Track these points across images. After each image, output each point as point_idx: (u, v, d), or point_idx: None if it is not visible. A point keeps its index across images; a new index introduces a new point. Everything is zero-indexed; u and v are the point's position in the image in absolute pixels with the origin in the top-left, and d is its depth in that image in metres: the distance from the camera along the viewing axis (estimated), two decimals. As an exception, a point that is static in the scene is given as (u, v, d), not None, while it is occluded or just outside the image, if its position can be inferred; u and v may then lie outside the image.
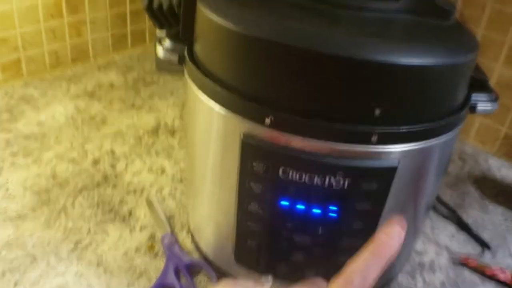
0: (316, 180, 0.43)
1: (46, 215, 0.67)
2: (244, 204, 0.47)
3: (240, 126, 0.44)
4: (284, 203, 0.45)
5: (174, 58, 0.53)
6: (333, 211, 0.45)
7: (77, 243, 0.63)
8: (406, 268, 0.65)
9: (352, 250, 0.51)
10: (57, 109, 0.89)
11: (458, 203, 0.78)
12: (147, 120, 0.89)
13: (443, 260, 0.67)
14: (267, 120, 0.42)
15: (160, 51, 0.54)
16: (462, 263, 0.67)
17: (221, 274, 0.58)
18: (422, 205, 0.52)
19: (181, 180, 0.75)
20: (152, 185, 0.74)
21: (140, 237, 0.65)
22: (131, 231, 0.66)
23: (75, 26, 0.99)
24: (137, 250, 0.63)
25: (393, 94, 0.41)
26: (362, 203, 0.44)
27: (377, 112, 0.41)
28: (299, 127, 0.42)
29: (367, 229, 0.46)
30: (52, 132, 0.83)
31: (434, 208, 0.76)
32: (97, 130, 0.85)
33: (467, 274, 0.65)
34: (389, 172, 0.43)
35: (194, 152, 0.53)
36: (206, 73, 0.46)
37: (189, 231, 0.65)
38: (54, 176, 0.74)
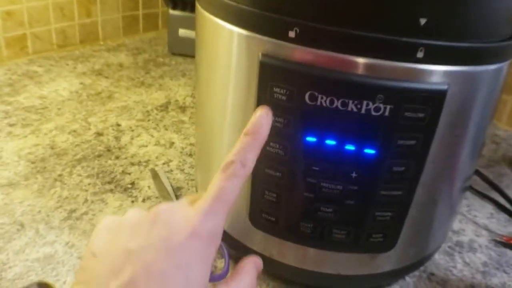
0: (351, 106, 0.34)
1: (40, 184, 0.60)
2: (261, 145, 0.38)
3: (258, 45, 0.36)
4: (310, 139, 0.37)
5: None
6: (370, 147, 0.36)
7: (71, 212, 0.55)
8: (443, 248, 0.55)
9: (390, 204, 0.42)
10: (62, 85, 0.82)
11: (493, 182, 0.68)
12: (157, 96, 0.82)
13: (483, 240, 0.58)
14: (291, 33, 0.34)
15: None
16: (507, 243, 0.57)
17: (234, 246, 0.49)
18: (466, 159, 0.43)
19: (190, 154, 0.67)
20: (158, 157, 0.66)
21: (142, 208, 0.56)
22: (132, 201, 0.57)
23: (85, 5, 0.93)
24: (138, 220, 0.54)
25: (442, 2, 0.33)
26: (406, 137, 0.35)
27: (422, 21, 0.33)
28: (329, 40, 0.34)
29: (410, 173, 0.38)
30: (54, 105, 0.76)
31: (470, 187, 0.66)
32: (102, 104, 0.78)
33: (511, 254, 0.55)
34: (438, 97, 0.35)
35: (205, 91, 0.45)
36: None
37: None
38: (52, 146, 0.66)
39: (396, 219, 0.41)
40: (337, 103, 0.35)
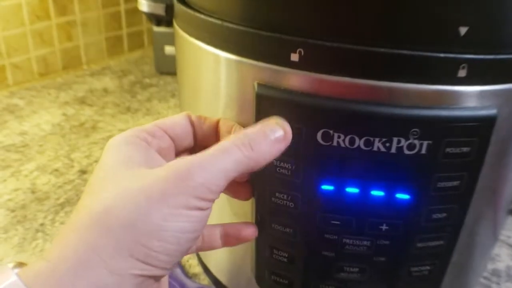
0: (377, 145, 0.26)
1: (20, 236, 0.51)
2: (265, 195, 0.30)
3: (252, 73, 0.28)
4: (327, 187, 0.28)
5: (160, 8, 0.37)
6: (403, 193, 0.27)
7: (53, 270, 0.46)
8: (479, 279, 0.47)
9: (428, 256, 0.33)
10: (44, 117, 0.74)
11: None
12: (144, 122, 0.72)
13: (524, 267, 0.49)
14: (294, 56, 0.26)
15: (143, 4, 0.38)
16: (552, 270, 0.48)
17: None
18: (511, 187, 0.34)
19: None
20: (149, 194, 0.57)
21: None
22: (121, 251, 0.49)
23: (65, 29, 0.85)
24: (128, 274, 0.46)
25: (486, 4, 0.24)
26: (448, 178, 0.27)
27: (463, 30, 0.24)
28: (343, 61, 0.25)
29: (452, 219, 0.29)
30: (35, 142, 0.67)
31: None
32: (86, 137, 0.69)
33: (559, 285, 0.47)
34: (487, 124, 0.26)
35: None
36: (201, 11, 0.30)
37: (197, 255, 0.48)
38: (33, 190, 0.58)
39: (436, 271, 0.32)
40: (359, 143, 0.26)
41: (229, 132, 0.29)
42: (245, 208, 0.32)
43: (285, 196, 0.29)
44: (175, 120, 0.28)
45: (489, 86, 0.26)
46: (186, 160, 0.23)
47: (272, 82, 0.27)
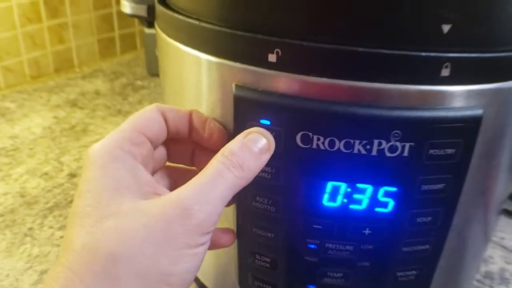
0: (358, 148, 0.25)
1: (8, 241, 0.51)
2: (246, 199, 0.29)
3: (230, 75, 0.27)
4: (308, 191, 0.27)
5: (142, 9, 0.36)
6: (386, 197, 0.26)
7: (42, 274, 0.46)
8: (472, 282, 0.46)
9: (415, 260, 0.33)
10: (35, 121, 0.73)
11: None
12: (135, 125, 0.72)
13: (518, 269, 0.48)
14: (272, 57, 0.25)
15: (126, 5, 0.38)
16: (546, 272, 0.47)
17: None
18: (502, 188, 0.34)
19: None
20: (138, 197, 0.56)
21: (120, 263, 0.47)
22: (109, 255, 0.48)
23: (57, 31, 0.84)
24: (116, 279, 0.45)
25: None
26: (432, 181, 0.26)
27: (446, 28, 0.23)
28: (322, 61, 0.24)
29: (438, 223, 0.28)
30: (25, 146, 0.66)
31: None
32: (76, 140, 0.68)
33: (553, 286, 0.46)
34: (472, 125, 0.25)
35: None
36: (180, 12, 0.29)
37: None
38: (22, 194, 0.57)
39: (423, 276, 0.31)
40: (340, 145, 0.25)
41: (203, 127, 0.28)
42: (227, 213, 0.32)
43: (265, 200, 0.28)
44: (150, 117, 0.27)
45: (474, 86, 0.25)
46: (183, 193, 0.22)
47: (251, 83, 0.26)
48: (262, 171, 0.27)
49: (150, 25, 0.85)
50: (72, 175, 0.60)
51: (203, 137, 0.28)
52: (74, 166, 0.62)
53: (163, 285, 0.21)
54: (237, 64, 0.27)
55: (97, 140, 0.74)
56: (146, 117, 0.27)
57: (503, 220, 0.55)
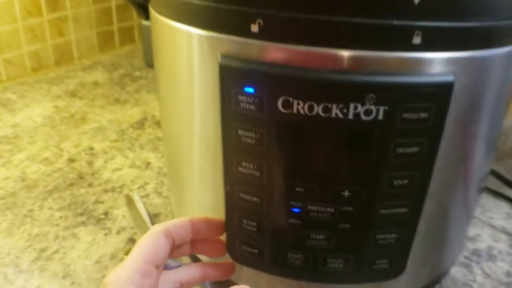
0: (335, 111, 0.26)
1: (9, 221, 0.52)
2: (232, 166, 0.31)
3: (217, 46, 0.29)
4: (289, 155, 0.29)
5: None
6: (363, 160, 0.28)
7: (41, 252, 0.48)
8: (459, 259, 0.47)
9: (393, 223, 0.34)
10: (35, 110, 0.75)
11: (507, 179, 0.60)
12: (132, 113, 0.74)
13: (503, 245, 0.50)
14: (254, 27, 0.26)
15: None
16: (530, 247, 0.49)
17: (218, 282, 0.41)
18: (481, 159, 0.35)
19: (170, 175, 0.60)
20: (134, 181, 0.58)
21: (116, 241, 0.49)
22: (106, 234, 0.50)
23: (57, 25, 0.86)
24: (113, 256, 0.47)
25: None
26: (407, 144, 0.28)
27: (417, -1, 0.25)
28: (300, 31, 0.26)
29: (415, 186, 0.30)
30: (26, 134, 0.68)
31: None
32: (75, 127, 0.70)
33: (537, 261, 0.47)
34: (444, 91, 0.27)
35: (167, 105, 0.37)
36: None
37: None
38: (23, 178, 0.59)
39: (402, 240, 0.32)
40: (318, 109, 0.27)
41: (205, 225, 0.34)
42: (216, 181, 0.33)
43: (250, 165, 0.30)
44: (158, 244, 0.30)
45: (445, 53, 0.27)
46: None
47: (235, 53, 0.28)
48: (247, 137, 0.29)
49: (148, 17, 0.87)
50: (71, 160, 0.62)
51: (204, 233, 0.33)
52: (73, 152, 0.64)
53: None
54: (223, 36, 0.28)
55: (96, 128, 0.76)
56: (155, 245, 0.30)
57: (492, 201, 0.57)
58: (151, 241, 0.30)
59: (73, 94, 0.79)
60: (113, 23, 0.93)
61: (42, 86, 0.83)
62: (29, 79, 0.85)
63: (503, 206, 0.56)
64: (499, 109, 0.33)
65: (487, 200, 0.56)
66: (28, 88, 0.82)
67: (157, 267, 0.30)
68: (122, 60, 0.93)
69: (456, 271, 0.46)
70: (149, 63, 0.88)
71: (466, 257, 0.48)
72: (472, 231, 0.51)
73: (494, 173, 0.58)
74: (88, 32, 0.90)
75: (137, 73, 0.87)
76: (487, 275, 0.46)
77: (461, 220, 0.39)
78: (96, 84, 0.83)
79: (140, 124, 0.71)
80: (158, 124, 0.72)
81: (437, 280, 0.42)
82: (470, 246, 0.49)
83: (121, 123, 0.71)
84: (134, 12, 0.96)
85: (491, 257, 0.48)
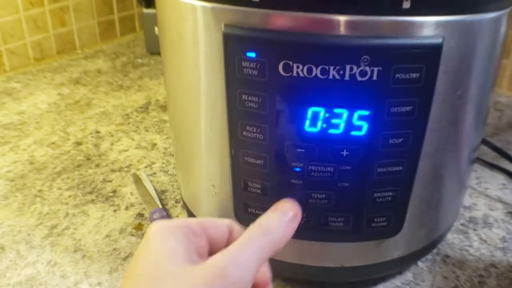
0: (332, 73, 0.29)
1: (19, 202, 0.55)
2: (237, 131, 0.33)
3: (220, 16, 0.31)
4: (291, 117, 0.31)
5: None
6: (360, 119, 0.30)
7: (52, 228, 0.50)
8: (456, 226, 0.49)
9: (390, 182, 0.36)
10: (40, 98, 0.77)
11: (502, 151, 0.62)
12: (136, 98, 0.77)
13: (499, 213, 0.52)
14: (255, -4, 0.28)
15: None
16: (524, 214, 0.51)
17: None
18: (471, 125, 0.37)
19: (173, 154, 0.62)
20: (140, 161, 0.61)
21: (125, 217, 0.51)
22: (115, 211, 0.52)
23: (58, 15, 0.88)
24: (122, 231, 0.49)
25: None
26: (400, 103, 0.30)
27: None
28: (299, -2, 0.28)
29: (409, 145, 0.32)
30: (32, 120, 0.71)
31: (477, 158, 0.60)
32: (81, 113, 0.72)
33: (531, 227, 0.50)
34: (433, 52, 0.29)
35: (173, 80, 0.39)
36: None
37: (184, 205, 0.51)
38: (31, 161, 0.61)
39: (399, 199, 0.35)
40: (316, 72, 0.29)
41: None
42: (222, 147, 0.36)
43: (254, 129, 0.32)
44: (219, 226, 0.29)
45: (433, 17, 0.29)
46: (220, 257, 0.25)
47: (237, 22, 0.30)
48: (250, 101, 0.31)
49: (148, 5, 0.89)
50: (78, 143, 0.64)
51: None
52: (80, 136, 0.66)
53: None
54: (226, 6, 0.30)
55: (101, 112, 0.79)
56: (216, 224, 0.29)
57: (487, 172, 0.59)
58: (215, 220, 0.29)
59: (77, 82, 0.82)
60: (113, 12, 0.95)
61: (45, 75, 0.85)
62: (32, 69, 0.87)
63: (499, 177, 0.58)
64: (488, 74, 0.35)
65: (483, 171, 0.59)
66: (32, 77, 0.84)
67: (208, 242, 0.29)
68: (124, 49, 0.95)
69: (453, 237, 0.48)
70: (151, 50, 0.90)
71: (462, 225, 0.50)
72: (468, 200, 0.54)
73: (490, 145, 0.60)
74: (89, 22, 0.92)
75: (139, 60, 0.89)
76: (483, 241, 0.48)
77: (455, 185, 0.41)
78: (99, 72, 0.85)
79: (145, 108, 0.73)
80: (162, 108, 0.74)
81: (434, 243, 0.44)
82: (467, 214, 0.52)
83: (126, 107, 0.74)
84: (134, 1, 0.98)
85: (487, 224, 0.51)
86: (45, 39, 0.88)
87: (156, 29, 0.86)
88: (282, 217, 0.27)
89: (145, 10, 0.86)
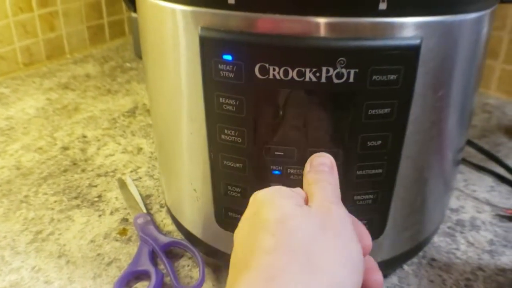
0: (309, 75, 0.28)
1: (5, 207, 0.54)
2: (215, 134, 0.33)
3: (198, 19, 0.31)
4: (268, 119, 0.31)
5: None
6: (337, 121, 0.30)
7: (37, 234, 0.50)
8: (443, 229, 0.49)
9: (370, 184, 0.36)
10: (28, 103, 0.77)
11: (490, 153, 0.62)
12: (124, 103, 0.76)
13: (486, 216, 0.52)
14: (230, -1, 0.28)
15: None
16: (510, 216, 0.51)
17: (209, 253, 0.43)
18: (454, 126, 0.37)
19: (162, 159, 0.62)
20: (126, 165, 0.60)
21: (110, 222, 0.51)
22: (100, 216, 0.52)
23: (47, 20, 0.88)
24: (107, 236, 0.49)
25: None
26: (378, 105, 0.30)
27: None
28: (274, 0, 0.28)
29: (388, 147, 0.32)
30: (20, 125, 0.70)
31: (464, 160, 0.60)
32: (68, 117, 0.72)
33: (518, 228, 0.50)
34: (411, 53, 0.29)
35: (154, 84, 0.39)
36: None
37: (168, 210, 0.50)
38: (18, 166, 0.61)
39: (380, 202, 0.35)
40: (293, 74, 0.29)
41: None
42: (202, 151, 0.35)
43: (231, 132, 0.32)
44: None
45: (411, 18, 0.29)
46: (321, 200, 0.27)
47: (215, 25, 0.30)
48: (228, 104, 0.31)
49: (136, 9, 0.88)
50: (65, 148, 0.64)
51: None
52: (67, 140, 0.66)
53: None
54: (203, 9, 0.30)
55: (89, 117, 0.78)
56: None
57: (475, 174, 0.59)
58: None
59: (65, 87, 0.81)
60: (103, 17, 0.95)
61: (34, 80, 0.85)
62: (21, 74, 0.87)
63: (487, 179, 0.58)
64: (470, 75, 0.35)
65: (470, 174, 0.59)
66: (21, 82, 0.84)
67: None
68: (113, 53, 0.95)
69: (439, 240, 0.48)
70: (140, 54, 0.90)
71: (449, 227, 0.50)
72: (455, 203, 0.54)
73: (477, 147, 0.60)
74: (78, 27, 0.92)
75: (128, 64, 0.89)
76: (470, 244, 0.48)
77: (439, 187, 0.41)
78: (88, 76, 0.85)
79: (131, 113, 0.73)
80: (149, 112, 0.73)
81: (420, 246, 0.44)
82: (454, 217, 0.52)
83: (113, 112, 0.73)
84: (123, 6, 0.98)
85: (474, 227, 0.50)
86: (34, 44, 0.88)
87: (145, 33, 0.86)
88: (325, 168, 0.29)
89: (133, 14, 0.85)
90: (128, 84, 0.82)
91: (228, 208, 0.35)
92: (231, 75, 0.30)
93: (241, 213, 0.35)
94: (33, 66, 0.89)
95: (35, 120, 0.71)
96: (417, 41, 0.29)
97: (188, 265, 0.45)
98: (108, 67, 0.89)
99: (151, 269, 0.43)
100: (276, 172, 0.32)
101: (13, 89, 0.81)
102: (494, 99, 0.78)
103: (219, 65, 0.30)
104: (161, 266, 0.45)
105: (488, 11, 0.33)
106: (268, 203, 0.26)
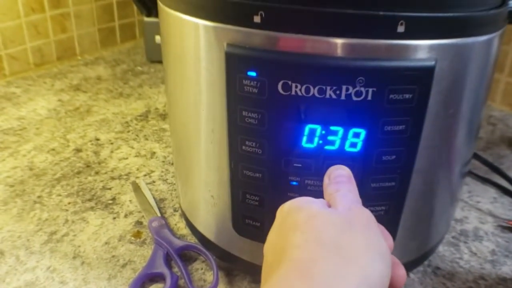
0: (329, 93, 0.30)
1: (19, 207, 0.56)
2: (236, 145, 0.34)
3: (223, 36, 0.32)
4: (288, 133, 0.32)
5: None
6: (355, 137, 0.32)
7: (51, 235, 0.51)
8: (447, 238, 0.51)
9: (383, 197, 0.38)
10: (40, 104, 0.78)
11: (493, 165, 0.64)
12: (136, 106, 0.78)
13: (489, 227, 0.54)
14: (256, 18, 0.30)
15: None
16: (512, 227, 0.53)
17: (222, 257, 0.45)
18: (463, 141, 0.39)
19: (173, 163, 0.63)
20: (140, 169, 0.62)
21: (124, 224, 0.52)
22: (114, 218, 0.53)
23: (59, 21, 0.89)
24: (121, 238, 0.50)
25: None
26: (394, 122, 0.31)
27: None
28: (298, 21, 0.30)
29: (402, 162, 0.34)
30: (32, 126, 0.72)
31: (469, 172, 0.62)
32: (81, 119, 0.73)
33: (520, 240, 0.51)
34: (426, 74, 0.31)
35: (175, 93, 0.41)
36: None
37: (182, 214, 0.52)
38: (31, 167, 0.62)
39: (391, 213, 0.36)
40: (314, 91, 0.31)
41: None
42: (222, 160, 0.37)
43: (253, 144, 0.33)
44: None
45: (426, 41, 0.31)
46: (344, 203, 0.28)
47: (240, 42, 0.32)
48: (250, 117, 0.33)
49: (149, 13, 0.90)
50: (78, 150, 0.66)
51: None
52: (80, 142, 0.67)
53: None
54: (228, 26, 0.32)
55: (101, 120, 0.80)
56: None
57: (479, 186, 0.60)
58: None
59: (77, 88, 0.83)
60: (114, 19, 0.97)
61: (45, 80, 0.86)
62: (32, 74, 0.88)
63: (490, 191, 0.60)
64: (479, 93, 0.37)
65: (474, 185, 0.60)
66: (32, 83, 0.86)
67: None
68: (124, 56, 0.96)
69: (444, 250, 0.50)
70: (151, 59, 0.92)
71: (453, 237, 0.52)
72: (460, 214, 0.55)
73: (481, 160, 0.62)
74: (90, 29, 0.94)
75: (139, 68, 0.91)
76: (473, 254, 0.50)
77: (446, 199, 0.43)
78: (99, 79, 0.87)
79: (144, 117, 0.75)
80: (161, 116, 0.75)
81: (425, 255, 0.46)
82: (458, 227, 0.53)
83: (125, 115, 0.75)
84: (135, 9, 1.00)
85: (477, 237, 0.52)
86: (46, 44, 0.89)
87: (157, 37, 0.88)
88: (343, 179, 0.31)
89: (146, 19, 0.87)
90: (140, 88, 0.84)
91: (245, 215, 0.37)
92: (255, 90, 0.31)
93: (258, 220, 0.37)
94: (44, 67, 0.90)
95: (47, 121, 0.73)
96: (431, 63, 0.31)
97: (202, 269, 0.47)
98: (119, 70, 0.91)
99: (166, 272, 0.44)
100: (294, 183, 0.34)
101: (24, 89, 0.83)
102: (498, 112, 0.80)
103: (244, 81, 0.31)
104: (175, 269, 0.46)
105: (498, 33, 0.35)
106: (295, 208, 0.28)
